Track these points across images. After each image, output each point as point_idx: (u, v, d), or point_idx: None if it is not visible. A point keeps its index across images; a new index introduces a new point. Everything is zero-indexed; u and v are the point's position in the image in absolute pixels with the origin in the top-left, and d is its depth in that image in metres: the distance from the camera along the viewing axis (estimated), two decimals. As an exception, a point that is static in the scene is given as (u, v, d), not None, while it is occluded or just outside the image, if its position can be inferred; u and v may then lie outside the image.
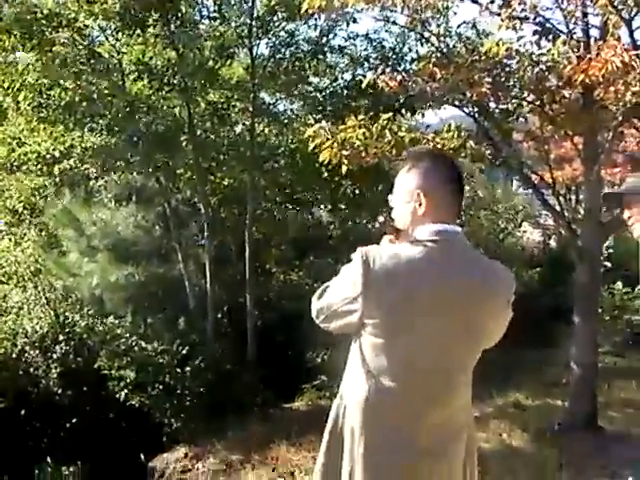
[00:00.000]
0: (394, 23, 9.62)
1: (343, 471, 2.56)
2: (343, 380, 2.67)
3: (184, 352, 11.18)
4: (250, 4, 12.14)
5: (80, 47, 11.72)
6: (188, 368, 10.99)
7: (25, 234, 14.39)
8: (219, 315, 12.80)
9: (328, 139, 6.80)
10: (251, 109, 12.63)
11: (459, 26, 10.39)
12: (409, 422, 2.49)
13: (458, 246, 2.52)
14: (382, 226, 2.77)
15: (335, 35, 12.77)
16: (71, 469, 10.34)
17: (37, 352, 11.86)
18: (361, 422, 2.51)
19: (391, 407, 2.49)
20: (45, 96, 11.61)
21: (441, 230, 2.48)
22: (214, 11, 12.51)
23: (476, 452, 2.75)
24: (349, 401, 2.58)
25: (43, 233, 14.06)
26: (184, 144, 12.66)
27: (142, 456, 10.37)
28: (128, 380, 10.98)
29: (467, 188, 15.99)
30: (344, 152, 6.78)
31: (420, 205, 2.52)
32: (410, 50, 12.65)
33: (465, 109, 8.15)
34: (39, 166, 12.32)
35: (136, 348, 11.32)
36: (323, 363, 11.35)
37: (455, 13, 10.36)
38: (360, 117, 6.97)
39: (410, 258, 2.41)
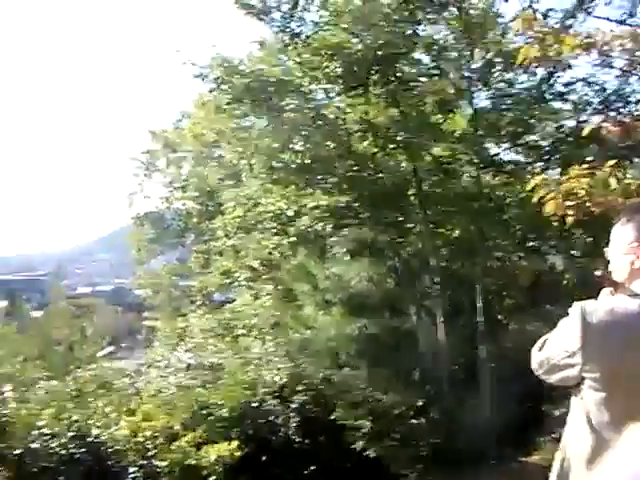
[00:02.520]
0: (611, 67, 9.61)
1: None
2: (565, 433, 2.70)
3: (419, 403, 11.46)
4: (467, 57, 12.54)
5: (307, 111, 12.65)
6: (423, 419, 11.26)
7: (263, 289, 15.38)
8: (453, 367, 13.02)
9: (552, 190, 6.87)
10: (476, 160, 12.98)
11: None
12: None
13: None
14: (599, 279, 2.93)
15: (555, 82, 12.83)
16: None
17: (277, 401, 12.48)
18: (584, 477, 2.52)
19: None
20: (277, 159, 12.54)
21: None
22: (432, 67, 13.03)
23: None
24: (572, 455, 2.60)
25: (279, 288, 14.97)
26: (411, 198, 13.16)
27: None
28: (364, 430, 11.42)
29: None
30: (568, 203, 6.81)
31: (638, 258, 2.56)
32: (633, 91, 12.48)
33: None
34: (274, 225, 13.26)
35: (371, 399, 11.75)
36: (561, 415, 11.22)
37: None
38: (584, 165, 7.00)
39: (628, 312, 2.46)
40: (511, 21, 11.18)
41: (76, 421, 10.54)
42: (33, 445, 9.93)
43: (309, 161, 12.45)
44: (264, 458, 11.73)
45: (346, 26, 12.70)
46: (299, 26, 13.16)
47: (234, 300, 19.32)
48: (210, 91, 13.51)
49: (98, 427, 10.69)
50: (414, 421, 11.37)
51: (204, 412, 11.90)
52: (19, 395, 14.32)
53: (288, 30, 13.11)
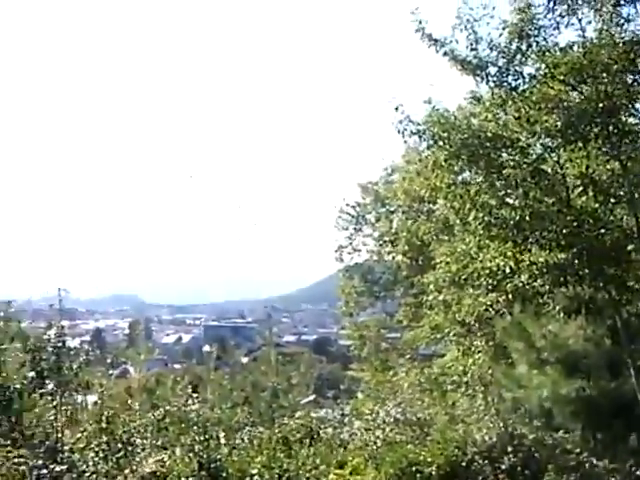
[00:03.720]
0: None
1: None
2: None
3: (638, 472, 11.04)
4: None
5: (524, 166, 12.70)
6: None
7: (473, 345, 15.33)
8: (676, 434, 12.42)
9: None
10: None
11: None
12: None
13: None
14: None
15: None
16: None
17: (485, 462, 12.34)
18: None
19: None
20: (494, 215, 12.63)
21: None
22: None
23: None
24: None
25: (491, 344, 14.87)
26: (633, 255, 12.82)
27: None
28: (578, 497, 11.11)
29: None
30: None
31: None
32: None
33: None
34: (490, 281, 13.28)
35: (586, 464, 11.43)
36: None
37: None
38: None
39: None
40: None
41: (286, 470, 10.83)
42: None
43: (527, 217, 12.45)
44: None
45: (564, 78, 12.72)
46: (515, 79, 13.30)
47: (442, 355, 19.35)
48: (428, 147, 13.87)
49: (307, 478, 10.93)
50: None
51: (412, 469, 11.96)
52: (229, 440, 15.04)
53: (505, 84, 13.27)
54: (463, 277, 14.19)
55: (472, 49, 13.26)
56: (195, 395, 17.30)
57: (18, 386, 10.86)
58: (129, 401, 20.49)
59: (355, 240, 29.02)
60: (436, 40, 13.45)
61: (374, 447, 13.20)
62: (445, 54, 13.42)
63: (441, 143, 13.25)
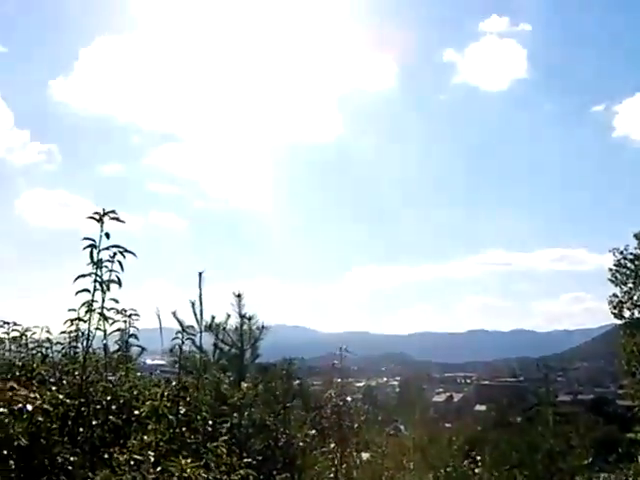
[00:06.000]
0: None
1: None
2: None
3: None
4: None
5: None
6: None
7: None
8: None
9: None
10: None
11: None
12: None
13: None
14: None
15: None
16: None
17: None
18: None
19: None
20: None
21: None
22: None
23: None
24: None
25: None
26: None
27: None
28: None
29: None
30: None
31: None
32: None
33: None
34: None
35: None
36: None
37: None
38: None
39: None
40: None
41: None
42: None
43: None
44: None
45: None
46: None
47: None
48: None
49: None
50: None
51: None
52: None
53: None
54: None
55: None
56: (473, 456, 17.28)
57: (301, 444, 11.30)
58: (404, 460, 20.78)
59: (635, 295, 27.85)
60: None
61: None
62: None
63: None
